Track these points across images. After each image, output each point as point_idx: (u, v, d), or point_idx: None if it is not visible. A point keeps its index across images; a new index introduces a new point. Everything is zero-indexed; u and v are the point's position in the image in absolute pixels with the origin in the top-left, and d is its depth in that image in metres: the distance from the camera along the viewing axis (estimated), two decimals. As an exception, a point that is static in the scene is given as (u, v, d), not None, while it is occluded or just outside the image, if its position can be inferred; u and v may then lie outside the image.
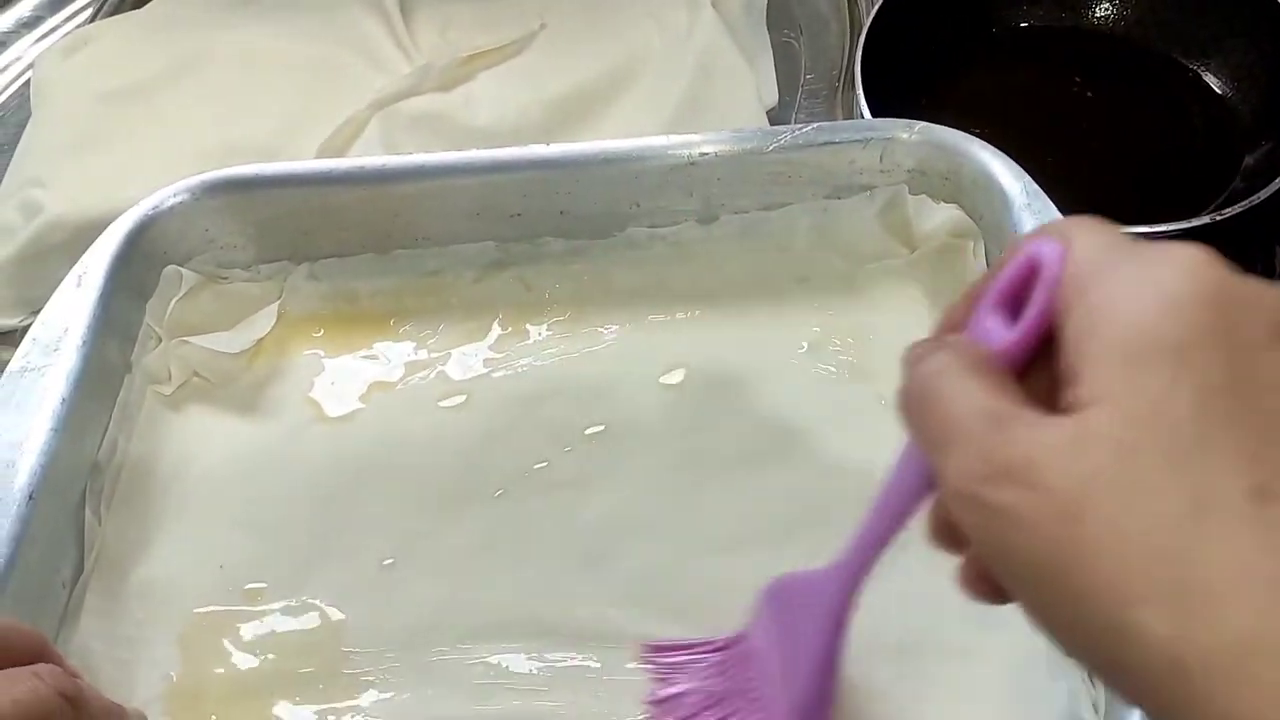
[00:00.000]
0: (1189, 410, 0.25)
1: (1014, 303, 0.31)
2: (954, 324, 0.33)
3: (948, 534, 0.33)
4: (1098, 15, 0.77)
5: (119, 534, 0.52)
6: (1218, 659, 0.24)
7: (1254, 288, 0.27)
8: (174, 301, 0.58)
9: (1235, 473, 0.25)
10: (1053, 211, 0.53)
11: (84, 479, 0.52)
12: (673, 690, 0.47)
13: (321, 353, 0.60)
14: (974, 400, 0.28)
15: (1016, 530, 0.26)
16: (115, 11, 0.86)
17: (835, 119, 0.76)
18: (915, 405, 0.30)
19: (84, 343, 0.53)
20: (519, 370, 0.59)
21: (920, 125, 0.58)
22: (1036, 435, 0.27)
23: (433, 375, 0.59)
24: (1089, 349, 0.27)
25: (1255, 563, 0.24)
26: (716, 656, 0.47)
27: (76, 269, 0.55)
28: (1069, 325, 0.28)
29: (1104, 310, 0.27)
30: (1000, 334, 0.30)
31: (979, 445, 0.27)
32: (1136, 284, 0.27)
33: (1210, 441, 0.25)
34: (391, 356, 0.60)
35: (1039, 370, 0.30)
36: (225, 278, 0.61)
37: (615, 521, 0.53)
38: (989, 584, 0.31)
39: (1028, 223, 0.53)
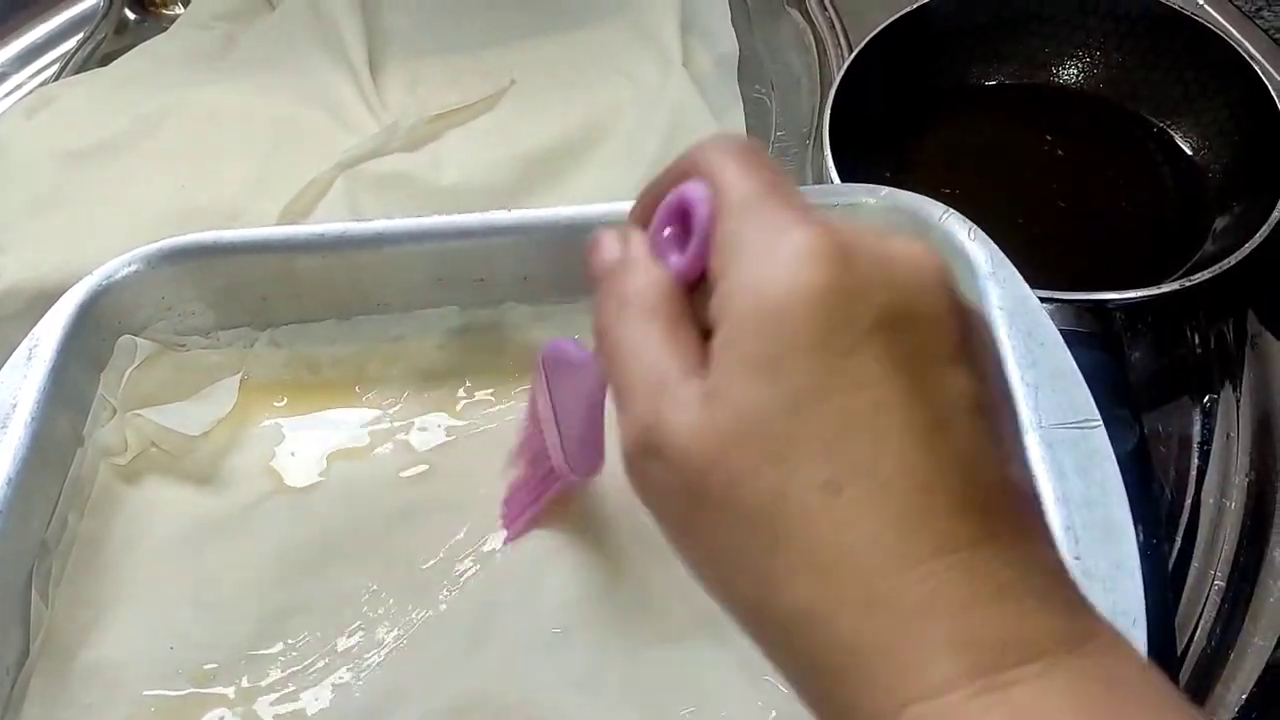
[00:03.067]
0: (781, 413, 0.29)
1: (681, 220, 0.34)
2: (641, 217, 0.37)
3: None
4: (1068, 74, 0.77)
5: (67, 615, 0.51)
6: (786, 622, 0.29)
7: (854, 284, 0.29)
8: (129, 371, 0.57)
9: (811, 470, 0.28)
10: (1018, 281, 0.52)
11: (31, 559, 0.51)
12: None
13: (282, 421, 0.59)
14: (648, 362, 0.32)
15: (660, 498, 0.31)
16: (81, 69, 0.85)
17: (805, 176, 0.75)
18: (605, 349, 0.34)
19: (33, 418, 0.51)
20: (482, 440, 0.58)
21: (885, 191, 0.57)
22: (680, 418, 0.30)
23: (395, 445, 0.58)
24: (717, 341, 0.30)
25: (819, 547, 0.28)
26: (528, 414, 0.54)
27: (27, 341, 0.54)
28: (710, 307, 0.31)
29: (724, 307, 0.30)
30: (672, 256, 0.34)
31: (641, 415, 0.31)
32: (751, 285, 0.30)
33: (795, 441, 0.29)
34: (354, 425, 0.59)
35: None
36: (183, 345, 0.60)
37: (577, 600, 0.52)
38: None
39: (993, 291, 0.52)
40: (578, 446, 0.49)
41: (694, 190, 0.33)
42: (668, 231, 0.35)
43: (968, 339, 0.30)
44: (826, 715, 0.29)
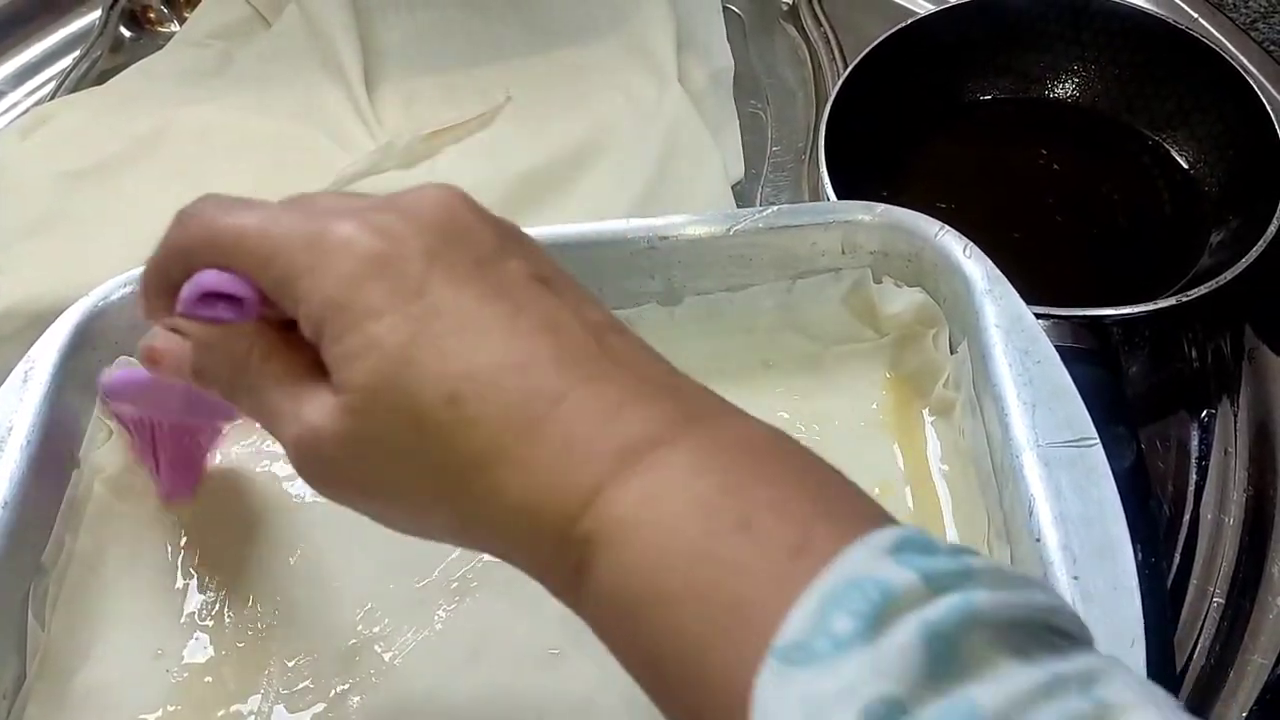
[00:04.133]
0: (391, 365, 0.33)
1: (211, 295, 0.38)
2: (155, 313, 0.41)
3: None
4: (1063, 88, 0.77)
5: (64, 638, 0.51)
6: (487, 520, 0.35)
7: (394, 235, 0.35)
8: (125, 393, 0.57)
9: (433, 393, 0.33)
10: (1014, 298, 0.52)
11: (27, 582, 0.51)
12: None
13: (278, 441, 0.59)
14: (282, 389, 0.37)
15: (335, 486, 0.38)
16: (77, 88, 0.85)
17: (801, 192, 0.75)
18: (240, 394, 0.39)
19: (29, 442, 0.51)
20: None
21: (881, 208, 0.57)
22: (314, 412, 0.35)
23: (392, 463, 0.58)
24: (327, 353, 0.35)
25: (473, 444, 0.33)
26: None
27: (23, 364, 0.54)
28: (304, 332, 0.36)
29: (314, 317, 0.35)
30: (237, 317, 0.38)
31: (290, 426, 0.36)
32: (320, 289, 0.35)
33: (408, 383, 0.34)
34: (349, 444, 0.59)
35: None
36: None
37: (575, 619, 0.51)
38: None
39: (989, 308, 0.52)
40: (168, 473, 0.55)
41: (209, 279, 0.37)
42: (220, 312, 0.38)
43: (505, 237, 0.37)
44: (534, 567, 0.36)
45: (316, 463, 0.37)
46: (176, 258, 0.39)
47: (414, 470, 0.34)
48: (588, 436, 0.33)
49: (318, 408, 0.35)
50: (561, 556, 0.34)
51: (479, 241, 0.36)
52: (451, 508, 0.35)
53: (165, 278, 0.40)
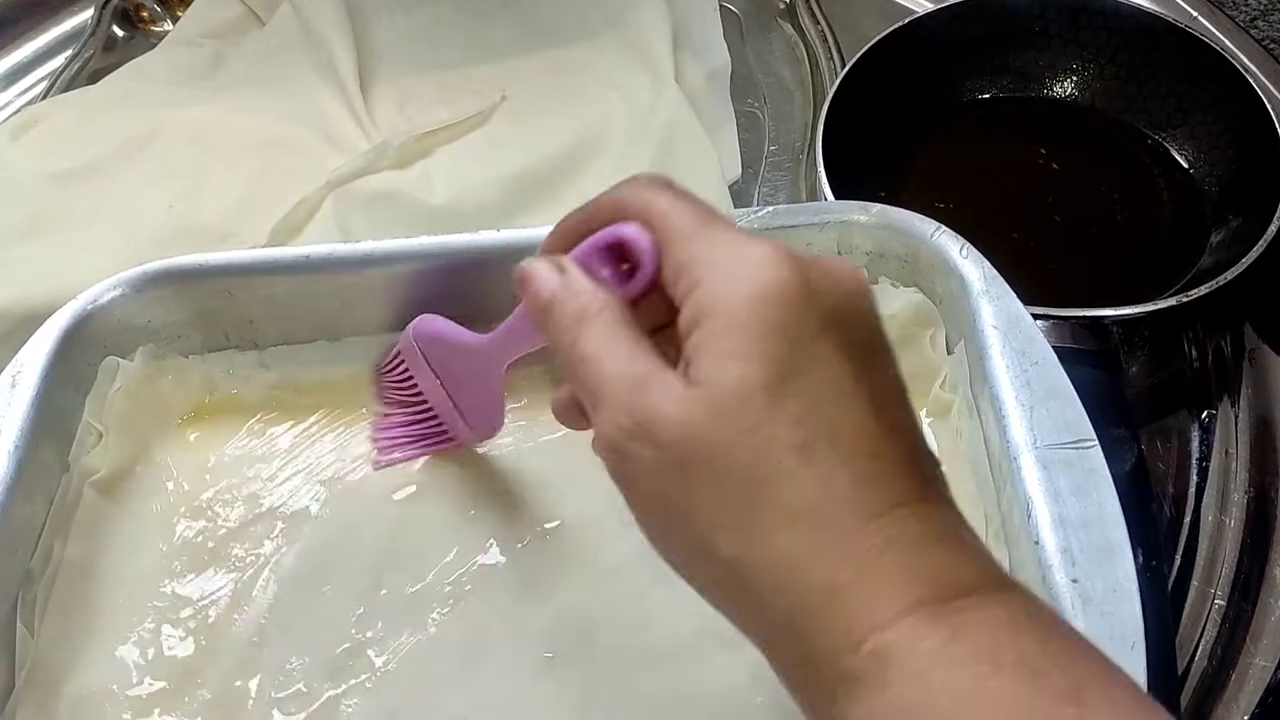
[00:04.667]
0: (760, 390, 0.33)
1: (610, 253, 0.39)
2: (560, 248, 0.41)
3: (576, 414, 0.43)
4: (1062, 87, 0.76)
5: (53, 645, 0.50)
6: (768, 571, 0.33)
7: (808, 287, 0.34)
8: (111, 393, 0.57)
9: (788, 434, 0.33)
10: (1011, 298, 0.52)
11: (16, 590, 0.50)
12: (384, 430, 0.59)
13: (269, 444, 0.59)
14: (621, 362, 0.36)
15: (645, 474, 0.35)
16: (69, 87, 0.85)
17: (799, 192, 0.75)
18: (570, 357, 0.37)
19: (17, 447, 0.51)
20: (472, 461, 0.57)
21: (877, 208, 0.57)
22: (662, 400, 0.34)
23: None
24: (696, 342, 0.35)
25: (796, 501, 0.33)
26: (398, 381, 0.58)
27: (11, 368, 0.54)
28: (682, 316, 0.36)
29: (703, 310, 0.35)
30: (613, 280, 0.39)
31: (624, 403, 0.35)
32: (724, 289, 0.35)
33: (772, 413, 0.33)
34: (343, 447, 0.58)
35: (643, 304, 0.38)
36: (167, 367, 0.59)
37: (570, 623, 0.51)
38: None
39: (985, 308, 0.52)
40: (479, 415, 0.55)
41: (629, 230, 0.38)
42: (599, 263, 0.39)
43: (887, 338, 0.37)
44: (797, 661, 0.33)
45: (638, 444, 0.35)
46: (604, 211, 0.40)
47: (727, 498, 0.33)
48: (905, 555, 0.33)
49: (663, 389, 0.35)
50: (828, 663, 0.32)
51: (874, 331, 0.36)
52: (735, 558, 0.34)
53: (581, 225, 0.41)
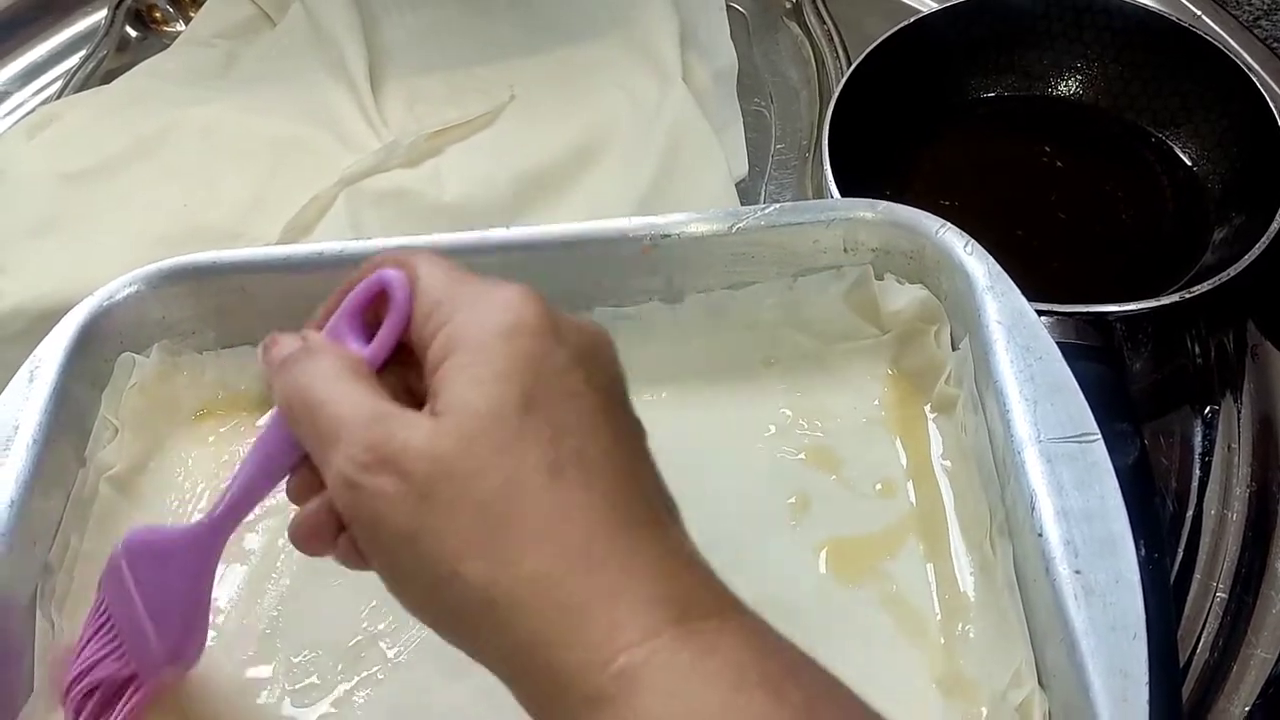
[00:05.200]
0: (511, 414, 0.34)
1: (364, 315, 0.40)
2: (314, 325, 0.42)
3: (320, 532, 0.39)
4: (1066, 86, 0.77)
5: (72, 636, 0.51)
6: (518, 592, 0.33)
7: (557, 326, 0.36)
8: (127, 389, 0.57)
9: (538, 456, 0.34)
10: (1015, 294, 0.52)
11: (35, 582, 0.51)
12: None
13: (283, 439, 0.59)
14: (358, 402, 0.36)
15: (387, 507, 0.34)
16: (83, 87, 0.85)
17: (805, 190, 0.75)
18: (300, 406, 0.38)
19: (35, 441, 0.52)
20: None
21: (883, 205, 0.57)
22: (406, 432, 0.35)
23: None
24: (444, 373, 0.36)
25: (544, 522, 0.33)
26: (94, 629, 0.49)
27: (29, 363, 0.54)
28: (430, 351, 0.37)
29: (454, 341, 0.36)
30: (360, 345, 0.39)
31: (363, 439, 0.35)
32: (476, 322, 0.36)
33: (521, 435, 0.34)
34: (354, 442, 0.59)
35: (388, 372, 0.39)
36: (182, 363, 0.60)
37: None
38: (359, 554, 0.37)
39: (990, 305, 0.52)
40: (179, 634, 0.47)
41: (384, 272, 0.39)
42: (350, 327, 0.40)
43: (626, 387, 0.38)
44: (541, 687, 0.33)
45: (381, 478, 0.34)
46: (362, 272, 0.41)
47: (475, 523, 0.33)
48: (652, 577, 0.34)
49: (406, 423, 0.35)
50: (576, 684, 0.33)
51: (617, 381, 0.38)
52: (483, 585, 0.33)
53: (341, 291, 0.41)
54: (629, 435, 0.37)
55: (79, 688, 0.48)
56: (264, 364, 0.41)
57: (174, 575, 0.47)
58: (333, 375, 0.37)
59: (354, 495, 0.35)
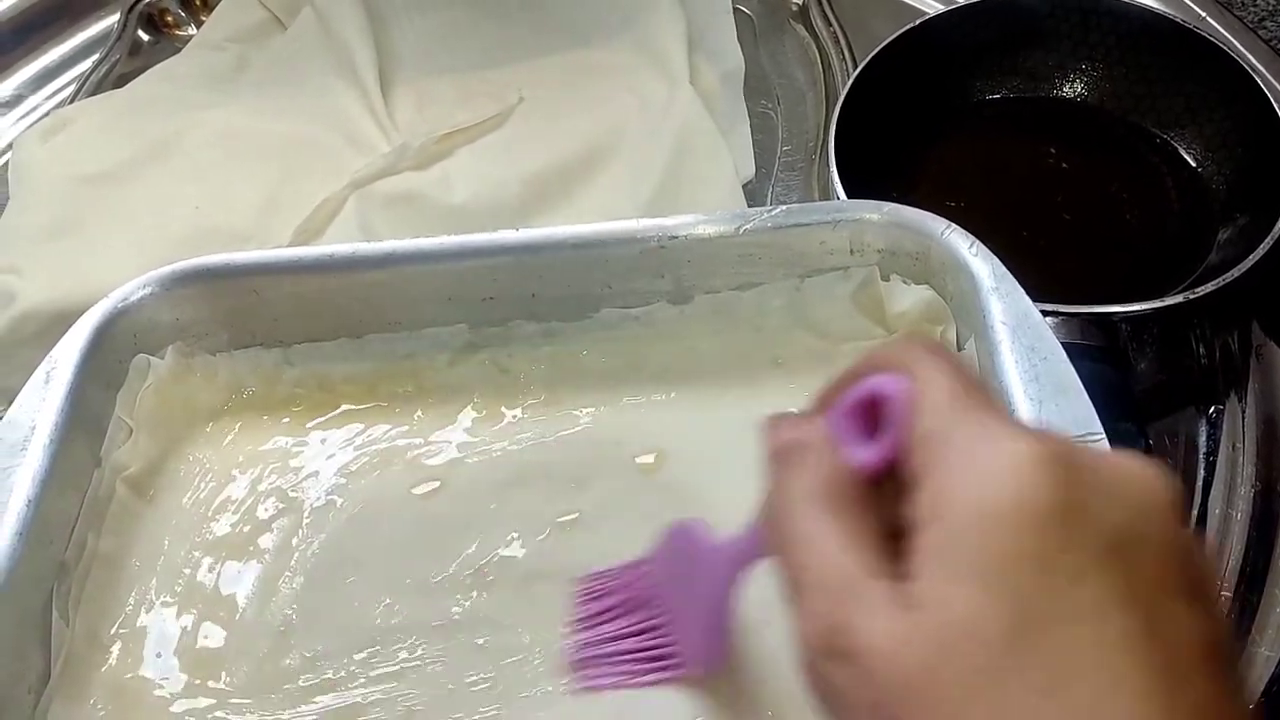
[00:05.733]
0: (1001, 633, 0.26)
1: (865, 413, 0.34)
2: (820, 407, 0.35)
3: None
4: (1071, 87, 0.77)
5: (87, 636, 0.52)
6: None
7: (1082, 507, 0.27)
8: (142, 391, 0.58)
9: (1030, 705, 0.25)
10: (1020, 295, 0.52)
11: (51, 581, 0.52)
12: (593, 607, 0.51)
13: (295, 439, 0.60)
14: (830, 557, 0.30)
15: (842, 704, 0.29)
16: (96, 91, 0.86)
17: (812, 191, 0.76)
18: (781, 523, 0.33)
19: (51, 441, 0.52)
20: (493, 455, 0.58)
21: (889, 206, 0.58)
22: (870, 626, 0.28)
23: (407, 461, 0.59)
24: (923, 547, 0.28)
25: None
26: (630, 578, 0.51)
27: (45, 364, 0.55)
28: (913, 504, 0.29)
29: (937, 508, 0.28)
30: (859, 447, 0.33)
31: (824, 618, 0.29)
32: (966, 489, 0.28)
33: (1015, 669, 0.26)
34: (366, 443, 0.60)
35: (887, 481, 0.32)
36: (196, 365, 0.60)
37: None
38: None
39: (995, 305, 0.52)
40: (701, 638, 0.47)
41: (889, 383, 0.32)
42: (849, 424, 0.34)
43: (1197, 569, 0.28)
44: None
45: (834, 665, 0.29)
46: (865, 367, 0.34)
47: None
48: None
49: (871, 606, 0.29)
50: None
51: (1171, 565, 0.28)
52: None
53: (843, 381, 0.35)
54: (1180, 670, 0.26)
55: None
56: (763, 444, 0.35)
57: (703, 583, 0.46)
58: (820, 498, 0.31)
59: (810, 673, 0.30)
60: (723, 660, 0.48)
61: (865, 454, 0.33)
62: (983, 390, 0.31)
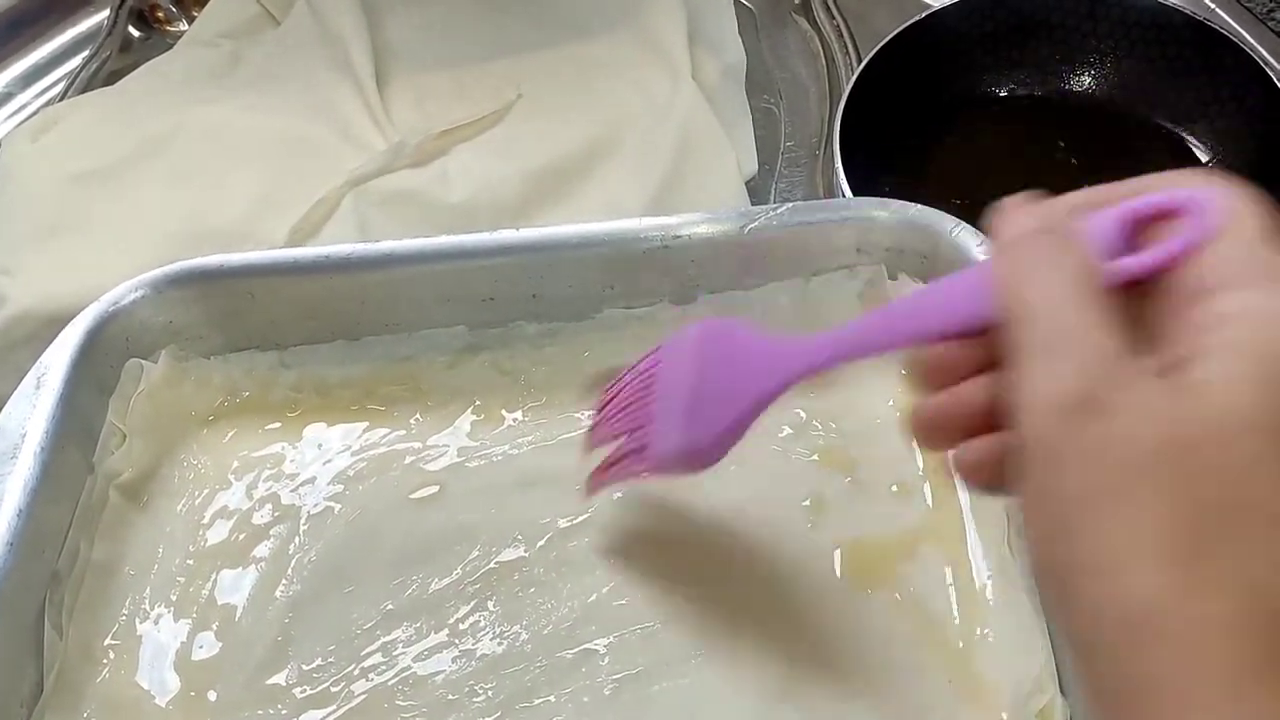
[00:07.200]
0: (1267, 435, 0.27)
1: (1138, 226, 0.33)
2: (1069, 209, 0.34)
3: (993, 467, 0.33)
4: (1079, 81, 0.76)
5: (80, 646, 0.51)
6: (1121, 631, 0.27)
7: None
8: (135, 396, 0.57)
9: (1256, 517, 0.27)
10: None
11: (43, 591, 0.51)
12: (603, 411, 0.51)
13: (292, 444, 0.59)
14: (1092, 325, 0.30)
15: (1081, 461, 0.28)
16: (86, 88, 0.85)
17: (815, 187, 0.75)
18: (1018, 302, 0.31)
19: (43, 449, 0.51)
20: (494, 459, 0.58)
21: (896, 204, 0.57)
22: (1143, 391, 0.28)
23: (406, 466, 0.58)
24: (1212, 342, 0.29)
25: (1236, 576, 0.27)
26: (637, 375, 0.50)
27: (35, 370, 0.54)
28: (1200, 308, 0.30)
29: (1240, 316, 0.29)
30: (1122, 254, 0.32)
31: (1089, 372, 0.29)
32: (1272, 314, 0.29)
33: (1253, 477, 0.27)
34: (364, 446, 0.59)
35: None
36: (190, 368, 0.59)
37: (593, 619, 0.52)
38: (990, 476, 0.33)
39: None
40: (703, 436, 0.45)
41: (1203, 194, 0.32)
42: (1117, 232, 0.33)
43: None
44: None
45: (1087, 420, 0.29)
46: (1155, 182, 0.34)
47: (1160, 535, 0.27)
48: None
49: (1141, 371, 0.29)
50: None
51: None
52: (1114, 602, 0.28)
53: (1117, 190, 0.34)
54: None
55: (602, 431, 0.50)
56: (990, 228, 0.34)
57: (740, 377, 0.44)
58: (1072, 280, 0.31)
59: (1051, 428, 0.29)
60: (713, 463, 0.46)
61: (1143, 259, 0.32)
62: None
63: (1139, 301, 0.32)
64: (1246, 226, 0.31)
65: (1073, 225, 0.33)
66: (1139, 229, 0.33)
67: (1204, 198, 0.31)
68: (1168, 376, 0.29)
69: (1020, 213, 0.34)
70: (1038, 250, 0.32)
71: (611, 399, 0.51)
